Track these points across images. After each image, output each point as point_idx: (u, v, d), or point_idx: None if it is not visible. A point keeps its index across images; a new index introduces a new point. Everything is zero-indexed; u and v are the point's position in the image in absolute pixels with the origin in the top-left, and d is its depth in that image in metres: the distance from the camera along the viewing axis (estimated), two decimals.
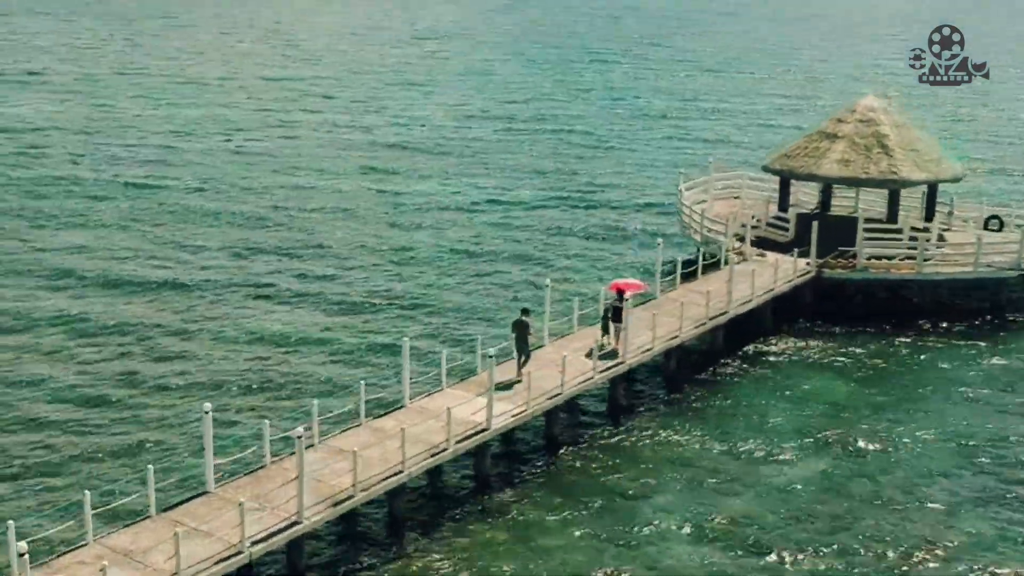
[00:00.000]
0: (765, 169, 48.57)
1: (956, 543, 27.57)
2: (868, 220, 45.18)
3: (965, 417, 34.91)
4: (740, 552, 27.05)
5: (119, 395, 34.43)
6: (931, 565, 26.71)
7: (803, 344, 40.15)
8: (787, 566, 26.56)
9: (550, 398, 31.41)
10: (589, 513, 28.54)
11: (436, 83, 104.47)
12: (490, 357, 29.39)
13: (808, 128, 52.60)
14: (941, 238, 45.91)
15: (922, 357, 39.47)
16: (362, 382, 29.94)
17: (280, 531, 24.53)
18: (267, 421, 27.50)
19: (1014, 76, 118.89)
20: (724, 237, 44.92)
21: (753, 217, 46.66)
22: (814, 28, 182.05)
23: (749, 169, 55.39)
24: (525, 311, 33.46)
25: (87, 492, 23.70)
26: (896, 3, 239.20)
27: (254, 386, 35.33)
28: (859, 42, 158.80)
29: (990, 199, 53.90)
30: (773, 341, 40.31)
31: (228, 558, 23.43)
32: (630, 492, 29.67)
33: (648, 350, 35.22)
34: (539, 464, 31.06)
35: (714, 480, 30.46)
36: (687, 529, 27.95)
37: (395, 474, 27.01)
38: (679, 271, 41.06)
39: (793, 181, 47.92)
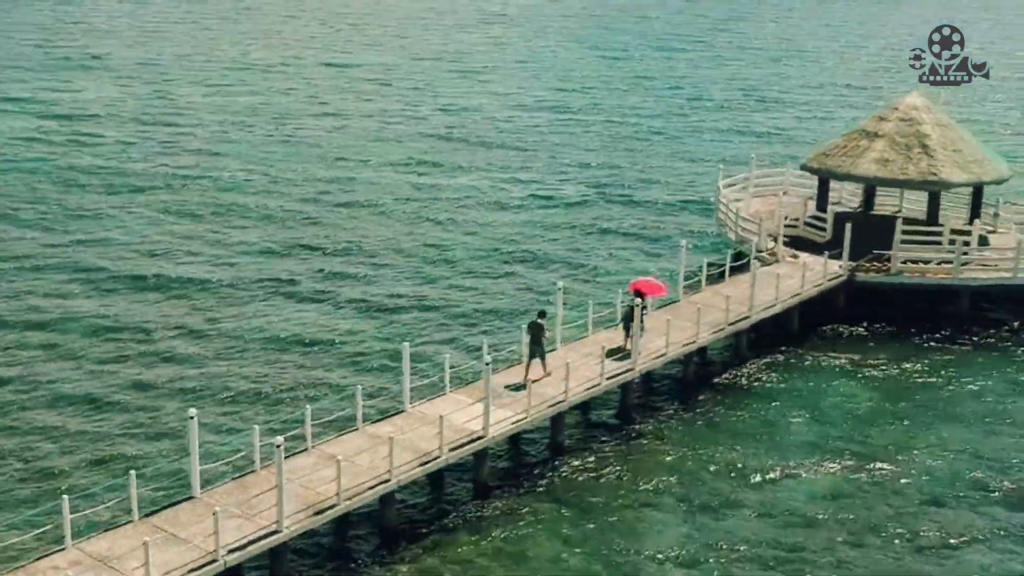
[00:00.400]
0: (803, 168, 47.39)
1: None
2: (907, 221, 43.81)
3: (991, 435, 33.53)
4: (740, 574, 26.31)
5: (115, 397, 34.11)
6: None
7: (831, 351, 38.97)
8: None
9: (551, 405, 30.85)
10: (587, 527, 27.96)
11: (494, 70, 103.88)
12: (487, 364, 28.90)
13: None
14: (985, 241, 44.34)
15: (954, 368, 37.96)
16: (359, 386, 29.59)
17: (258, 539, 24.37)
18: (256, 426, 27.32)
19: None
20: (757, 237, 43.91)
21: (786, 217, 45.45)
22: (900, 9, 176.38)
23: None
24: (541, 313, 33.08)
25: (65, 497, 23.72)
26: None
27: (257, 389, 34.89)
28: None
29: None
30: (800, 348, 39.13)
31: (202, 566, 23.32)
32: (633, 505, 29.01)
33: (661, 356, 34.45)
34: (541, 473, 30.42)
35: (719, 496, 29.62)
36: (688, 548, 27.19)
37: (382, 482, 26.71)
38: (704, 273, 40.19)
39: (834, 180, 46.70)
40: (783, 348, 39.00)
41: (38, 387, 34.94)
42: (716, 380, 36.60)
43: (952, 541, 27.76)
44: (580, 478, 30.19)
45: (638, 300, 33.67)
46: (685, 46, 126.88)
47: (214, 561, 23.39)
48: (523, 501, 29.02)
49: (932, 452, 32.22)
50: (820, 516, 28.68)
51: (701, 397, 35.30)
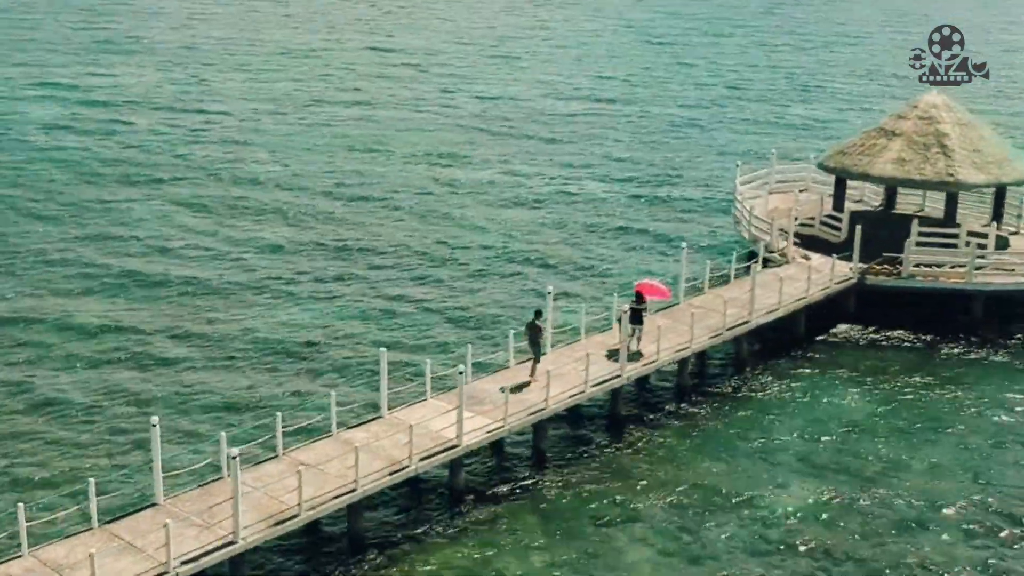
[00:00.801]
0: (820, 166, 46.29)
1: None
2: (924, 221, 42.60)
3: (997, 453, 32.37)
4: None
5: (85, 400, 33.78)
6: None
7: (835, 357, 38.05)
8: None
9: (531, 413, 30.36)
10: (564, 537, 27.50)
11: (535, 55, 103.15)
12: (460, 373, 28.49)
13: None
14: (1005, 244, 43.00)
15: (962, 381, 36.71)
16: (332, 392, 29.35)
17: (214, 550, 24.22)
18: (224, 433, 27.12)
19: None
20: (768, 236, 42.99)
21: (796, 217, 44.37)
22: None
23: None
24: (538, 313, 32.86)
25: (20, 504, 23.71)
26: None
27: (237, 394, 34.41)
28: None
29: None
30: (805, 354, 38.24)
31: None
32: (613, 517, 28.45)
33: (652, 362, 33.80)
34: (522, 483, 29.88)
35: (704, 508, 28.97)
36: (668, 561, 26.67)
37: (347, 492, 26.44)
38: (707, 275, 39.42)
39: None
40: (787, 354, 38.13)
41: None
42: (713, 388, 35.81)
43: (933, 568, 26.88)
44: (562, 490, 29.63)
45: (625, 307, 32.99)
46: (734, 30, 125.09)
47: (165, 573, 23.26)
48: (501, 512, 28.54)
49: (930, 474, 31.08)
50: (806, 538, 27.82)
51: (695, 406, 34.50)
